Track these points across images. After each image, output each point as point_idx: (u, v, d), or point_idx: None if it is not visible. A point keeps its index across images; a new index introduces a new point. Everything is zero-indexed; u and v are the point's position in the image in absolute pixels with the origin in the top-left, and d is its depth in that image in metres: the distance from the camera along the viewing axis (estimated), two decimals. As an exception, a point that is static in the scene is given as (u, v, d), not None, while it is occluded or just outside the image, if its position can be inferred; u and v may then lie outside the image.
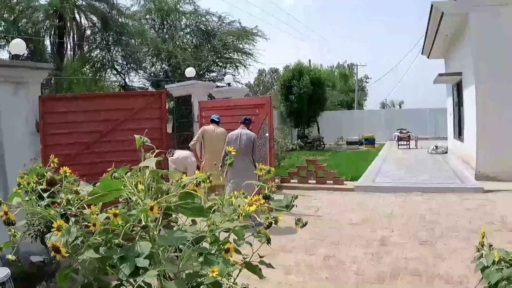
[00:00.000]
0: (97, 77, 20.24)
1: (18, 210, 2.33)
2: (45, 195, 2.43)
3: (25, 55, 15.02)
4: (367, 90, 58.76)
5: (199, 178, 2.39)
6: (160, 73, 23.05)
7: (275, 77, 53.50)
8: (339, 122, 27.29)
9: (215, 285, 2.32)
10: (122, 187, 2.27)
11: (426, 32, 14.14)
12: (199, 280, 2.18)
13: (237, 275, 2.79)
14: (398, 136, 21.30)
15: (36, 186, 2.47)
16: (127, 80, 22.94)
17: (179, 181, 2.38)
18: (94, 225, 2.17)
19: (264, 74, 60.21)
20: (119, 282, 2.15)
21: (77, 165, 4.98)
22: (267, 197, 2.39)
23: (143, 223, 2.17)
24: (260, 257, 2.70)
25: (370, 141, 23.19)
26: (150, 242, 2.15)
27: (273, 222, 2.54)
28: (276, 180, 11.10)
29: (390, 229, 6.90)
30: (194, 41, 23.47)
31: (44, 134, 6.48)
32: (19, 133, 6.38)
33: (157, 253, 2.20)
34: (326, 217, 7.92)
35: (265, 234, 2.62)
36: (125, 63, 21.91)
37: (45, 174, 2.48)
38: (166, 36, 22.47)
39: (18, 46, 6.68)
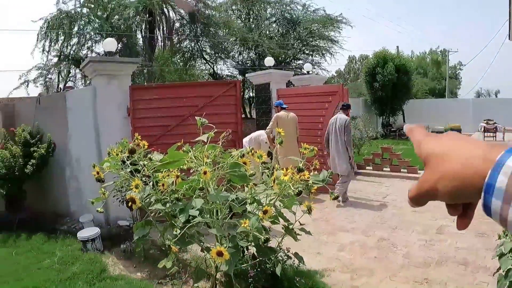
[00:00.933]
0: (187, 66, 21.14)
1: (106, 171, 3.05)
2: (128, 162, 3.13)
3: (119, 48, 16.32)
4: (461, 78, 56.09)
5: (243, 151, 2.96)
6: (247, 62, 23.57)
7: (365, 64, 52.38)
8: (425, 111, 26.10)
9: (255, 239, 2.90)
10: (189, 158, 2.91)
11: (510, 16, 13.45)
12: (236, 230, 2.75)
13: (282, 238, 3.34)
14: (484, 127, 20.37)
15: (122, 155, 3.18)
16: (215, 68, 23.81)
17: (230, 153, 2.97)
18: (162, 185, 2.83)
19: (354, 61, 59.04)
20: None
21: (162, 145, 5.69)
22: (301, 170, 2.91)
23: (200, 185, 2.80)
24: (301, 224, 3.23)
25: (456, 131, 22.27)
26: (203, 199, 2.76)
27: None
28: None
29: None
30: (279, 29, 23.70)
31: (133, 118, 7.35)
32: (113, 117, 7.35)
33: (208, 209, 2.82)
34: (392, 203, 8.08)
35: (308, 205, 3.15)
36: (213, 53, 22.52)
37: (129, 147, 3.18)
38: (252, 25, 22.98)
39: (110, 44, 7.61)
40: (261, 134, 9.29)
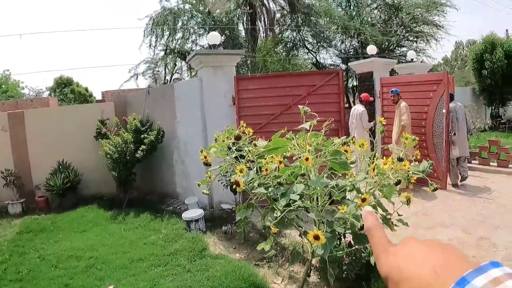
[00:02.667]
0: (289, 56, 21.24)
1: (214, 156, 3.26)
2: (233, 148, 3.31)
3: (222, 40, 16.83)
4: None
5: (345, 140, 3.02)
6: (350, 50, 23.16)
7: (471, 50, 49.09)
8: None
9: (352, 226, 2.96)
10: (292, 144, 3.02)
11: None
12: (334, 216, 2.83)
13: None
14: None
15: (227, 141, 3.37)
16: (318, 57, 23.66)
17: (332, 141, 3.04)
18: (266, 170, 2.98)
19: (461, 47, 55.57)
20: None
21: (266, 133, 5.88)
22: (400, 160, 2.92)
23: (302, 172, 2.91)
24: (399, 215, 3.24)
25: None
26: (304, 185, 2.87)
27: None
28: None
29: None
30: (381, 16, 22.94)
31: (238, 107, 7.67)
32: (218, 106, 7.74)
33: (308, 195, 2.92)
34: (496, 200, 7.59)
35: (408, 196, 3.16)
36: (315, 42, 22.42)
37: (235, 133, 3.36)
38: (353, 13, 22.48)
39: (214, 37, 7.95)
40: (358, 109, 9.13)
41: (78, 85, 37.58)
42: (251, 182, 3.09)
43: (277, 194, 2.92)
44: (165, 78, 21.10)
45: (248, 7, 19.12)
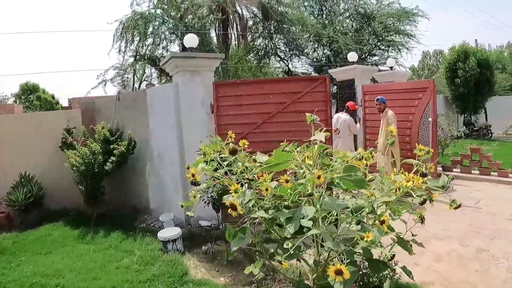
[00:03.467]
0: (261, 64, 21.05)
1: (203, 173, 2.77)
2: (224, 163, 2.84)
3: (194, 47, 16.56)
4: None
5: (361, 154, 2.58)
6: (322, 58, 23.04)
7: (440, 60, 50.16)
8: (510, 109, 23.49)
9: (366, 252, 2.52)
10: (292, 158, 2.57)
11: None
12: (353, 244, 2.39)
13: (390, 249, 2.95)
14: None
15: (215, 155, 2.90)
16: (290, 66, 23.50)
17: (344, 155, 2.60)
18: (266, 189, 2.51)
19: (428, 57, 56.72)
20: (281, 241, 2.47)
21: (249, 143, 5.44)
22: (424, 175, 2.50)
23: (309, 191, 2.45)
24: (413, 235, 2.86)
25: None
26: (314, 207, 2.41)
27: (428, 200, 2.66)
28: (438, 169, 10.72)
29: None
30: (354, 25, 22.93)
31: (217, 115, 7.21)
32: (196, 113, 7.26)
33: (318, 218, 2.46)
34: (485, 209, 7.48)
35: (421, 214, 2.77)
36: (287, 50, 22.45)
37: (224, 147, 2.89)
38: (326, 21, 22.44)
39: (192, 40, 7.45)
40: (344, 118, 8.84)
41: (44, 92, 36.62)
42: (247, 203, 2.63)
43: (281, 218, 2.46)
44: (133, 86, 20.51)
45: (220, 13, 18.78)
